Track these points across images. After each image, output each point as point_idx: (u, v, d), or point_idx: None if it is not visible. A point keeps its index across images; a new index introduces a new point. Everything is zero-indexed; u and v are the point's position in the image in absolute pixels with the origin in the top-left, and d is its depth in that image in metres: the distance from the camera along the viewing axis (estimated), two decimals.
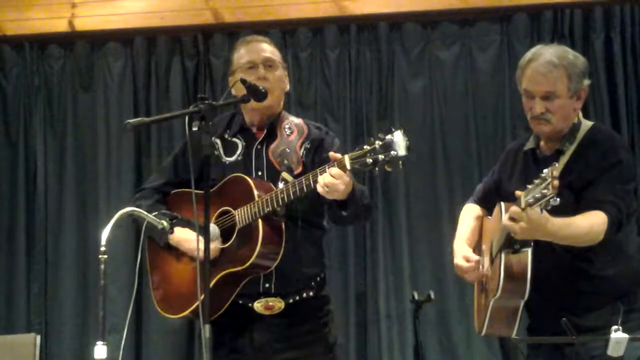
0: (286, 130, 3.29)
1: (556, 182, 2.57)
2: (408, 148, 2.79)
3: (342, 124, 5.25)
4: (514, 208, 2.76)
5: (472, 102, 5.26)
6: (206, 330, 2.61)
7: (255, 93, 3.05)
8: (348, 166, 2.88)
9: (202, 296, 2.64)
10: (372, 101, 5.29)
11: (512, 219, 2.76)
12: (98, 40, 5.47)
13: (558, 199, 2.63)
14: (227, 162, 3.28)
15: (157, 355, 5.22)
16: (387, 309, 5.12)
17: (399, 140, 2.79)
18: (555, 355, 3.00)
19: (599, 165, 2.95)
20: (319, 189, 2.95)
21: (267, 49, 3.31)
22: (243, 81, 3.06)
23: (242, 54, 3.31)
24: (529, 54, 3.07)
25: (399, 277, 5.15)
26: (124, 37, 5.45)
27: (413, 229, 5.20)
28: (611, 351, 2.68)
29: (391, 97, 5.29)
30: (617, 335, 2.67)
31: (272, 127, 3.29)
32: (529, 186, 2.69)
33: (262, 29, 5.31)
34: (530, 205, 2.67)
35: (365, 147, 2.85)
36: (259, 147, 3.27)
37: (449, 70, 5.29)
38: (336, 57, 5.33)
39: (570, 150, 3.01)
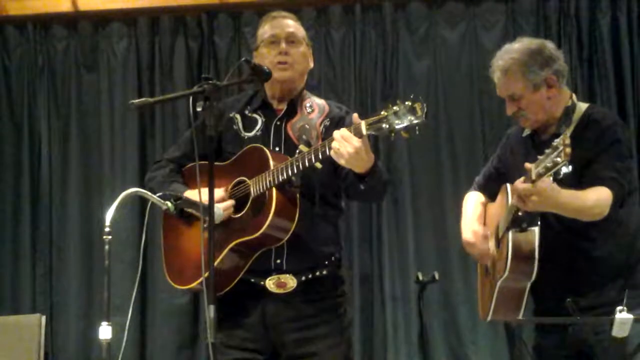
0: (307, 108, 3.28)
1: (568, 150, 2.59)
2: (425, 115, 2.78)
3: (346, 104, 5.18)
4: (523, 185, 2.77)
5: (477, 82, 5.24)
6: (210, 311, 2.61)
7: (260, 73, 3.04)
8: (364, 131, 2.85)
9: (207, 273, 2.64)
10: (376, 81, 5.28)
11: (521, 196, 2.78)
12: (101, 20, 5.45)
13: (570, 166, 2.68)
14: (246, 137, 3.27)
15: (162, 335, 5.24)
16: (391, 290, 5.12)
17: (416, 107, 2.77)
18: (561, 334, 3.02)
19: (599, 143, 2.99)
20: (331, 153, 2.91)
21: (291, 25, 3.31)
22: (247, 61, 3.04)
23: (266, 29, 3.31)
24: (493, 61, 3.17)
25: (403, 258, 5.16)
26: (128, 17, 5.43)
27: (417, 210, 5.20)
28: (616, 332, 2.68)
29: (396, 77, 5.28)
30: (622, 315, 2.67)
31: (292, 104, 3.28)
32: (540, 157, 2.69)
33: (266, 9, 5.27)
34: (541, 175, 2.68)
35: (382, 112, 2.83)
36: (278, 123, 3.26)
37: (454, 50, 5.28)
38: (341, 37, 5.31)
39: (567, 133, 2.97)
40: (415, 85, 5.25)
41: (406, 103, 2.78)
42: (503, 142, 3.37)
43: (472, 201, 3.37)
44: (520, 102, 3.07)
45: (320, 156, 2.96)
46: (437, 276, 4.31)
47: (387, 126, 2.79)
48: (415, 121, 2.76)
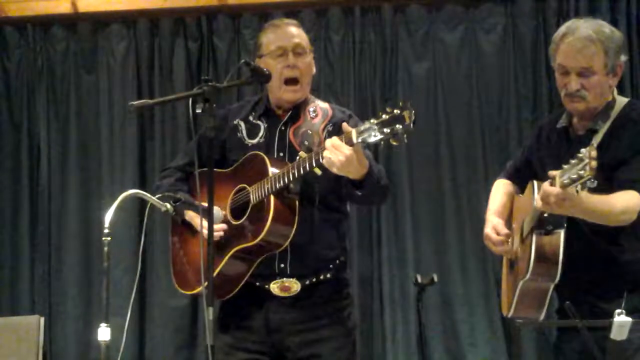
0: (311, 113, 3.29)
1: (594, 163, 2.48)
2: (414, 122, 2.78)
3: (345, 107, 5.22)
4: (549, 188, 2.67)
5: (476, 85, 5.25)
6: (209, 313, 2.61)
7: (259, 74, 3.04)
8: (354, 139, 2.86)
9: (206, 283, 2.64)
10: (376, 84, 5.28)
11: (545, 200, 2.69)
12: (101, 21, 5.45)
13: (596, 182, 2.58)
14: (250, 144, 3.28)
15: (161, 337, 5.23)
16: (390, 292, 5.12)
17: (405, 114, 2.78)
18: (580, 337, 2.81)
19: (634, 144, 2.89)
20: (324, 162, 2.93)
21: (297, 35, 3.30)
22: (247, 63, 3.05)
23: (271, 40, 3.29)
24: (563, 28, 2.98)
25: (402, 260, 5.15)
26: (127, 19, 5.43)
27: (416, 212, 5.20)
28: (614, 334, 2.65)
29: (395, 80, 5.28)
30: (621, 318, 2.64)
31: (296, 110, 3.29)
32: (565, 166, 2.60)
33: (265, 11, 5.30)
34: (565, 186, 2.59)
35: (372, 120, 2.84)
36: (282, 128, 3.27)
37: (453, 53, 5.27)
38: (340, 40, 5.31)
39: (603, 129, 2.94)
40: (414, 88, 5.26)
41: (395, 111, 2.79)
42: (535, 131, 3.26)
43: (498, 192, 3.27)
44: (588, 79, 2.91)
45: (314, 164, 2.98)
46: (435, 278, 4.31)
47: (378, 134, 2.80)
48: (403, 129, 2.77)
